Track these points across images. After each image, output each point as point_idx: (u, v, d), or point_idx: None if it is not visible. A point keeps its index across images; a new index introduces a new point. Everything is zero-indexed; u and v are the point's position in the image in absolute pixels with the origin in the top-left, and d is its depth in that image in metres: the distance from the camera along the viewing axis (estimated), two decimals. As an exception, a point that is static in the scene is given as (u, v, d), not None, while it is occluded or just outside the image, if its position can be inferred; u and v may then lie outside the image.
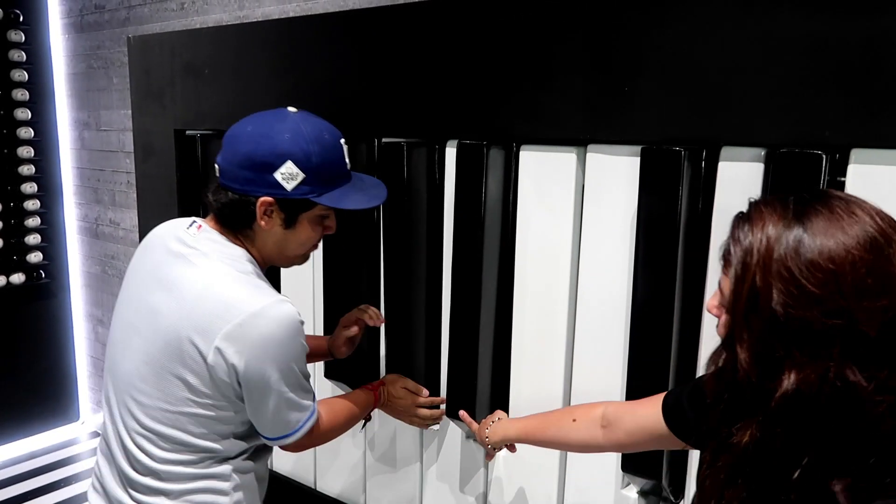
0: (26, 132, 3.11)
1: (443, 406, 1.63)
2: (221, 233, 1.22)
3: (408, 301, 1.67)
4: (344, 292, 1.79)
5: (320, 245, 1.35)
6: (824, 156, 1.08)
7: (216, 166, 1.23)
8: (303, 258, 1.31)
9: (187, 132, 2.14)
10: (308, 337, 1.31)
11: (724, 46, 1.18)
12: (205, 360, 1.13)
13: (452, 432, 1.68)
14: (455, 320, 1.57)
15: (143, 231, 2.40)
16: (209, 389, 1.15)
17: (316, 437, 1.31)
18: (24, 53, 3.06)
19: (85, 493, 2.91)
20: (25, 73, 3.08)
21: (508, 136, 1.49)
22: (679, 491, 1.37)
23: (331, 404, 1.40)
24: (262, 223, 1.19)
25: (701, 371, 1.29)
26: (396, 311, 1.69)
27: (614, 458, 1.40)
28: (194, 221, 1.25)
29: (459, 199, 1.52)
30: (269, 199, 1.17)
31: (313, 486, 2.01)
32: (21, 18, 3.04)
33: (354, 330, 1.56)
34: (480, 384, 1.55)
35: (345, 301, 1.78)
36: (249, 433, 1.26)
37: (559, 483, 1.52)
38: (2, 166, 3.07)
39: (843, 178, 1.12)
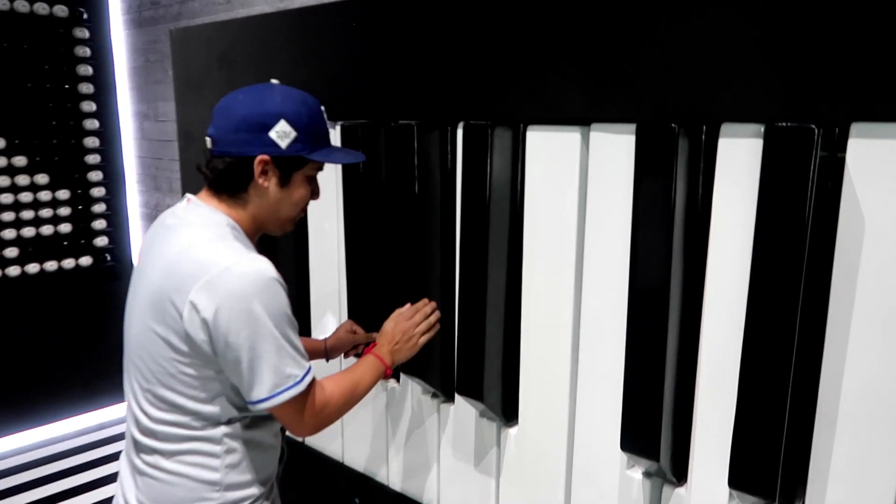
0: (92, 123, 3.31)
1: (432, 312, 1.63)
2: (214, 202, 1.30)
3: (422, 283, 1.70)
4: (365, 273, 1.85)
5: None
6: (816, 129, 1.04)
7: (207, 139, 1.30)
8: (293, 223, 1.37)
9: (225, 120, 2.23)
10: (303, 339, 1.34)
11: (721, 20, 1.15)
12: (181, 316, 1.18)
13: (467, 412, 1.71)
14: (464, 299, 1.59)
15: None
16: (187, 347, 1.20)
17: (319, 409, 1.29)
18: (88, 49, 3.25)
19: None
20: (90, 67, 3.27)
21: (515, 117, 1.49)
22: (681, 474, 1.36)
23: (332, 376, 1.40)
24: (261, 181, 1.27)
25: (702, 353, 1.27)
26: (411, 292, 1.72)
27: (618, 439, 1.39)
28: (188, 198, 1.34)
29: (467, 177, 1.54)
30: (266, 156, 1.25)
31: (341, 460, 2.09)
32: (85, 16, 3.22)
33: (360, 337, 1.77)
34: (489, 363, 1.56)
35: (367, 284, 1.84)
36: (242, 400, 1.28)
37: (567, 463, 1.52)
38: (71, 156, 3.28)
39: (843, 154, 1.07)
